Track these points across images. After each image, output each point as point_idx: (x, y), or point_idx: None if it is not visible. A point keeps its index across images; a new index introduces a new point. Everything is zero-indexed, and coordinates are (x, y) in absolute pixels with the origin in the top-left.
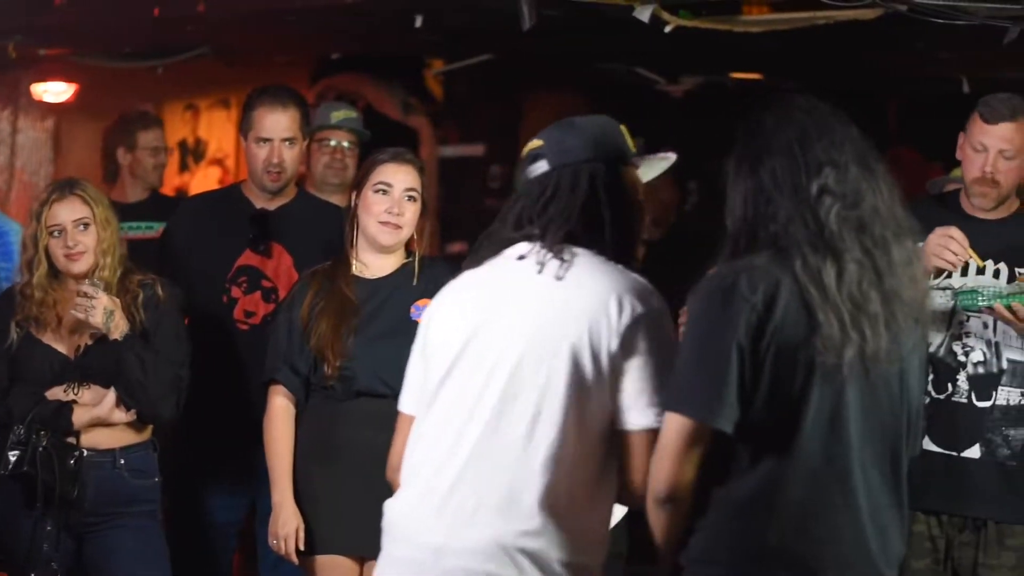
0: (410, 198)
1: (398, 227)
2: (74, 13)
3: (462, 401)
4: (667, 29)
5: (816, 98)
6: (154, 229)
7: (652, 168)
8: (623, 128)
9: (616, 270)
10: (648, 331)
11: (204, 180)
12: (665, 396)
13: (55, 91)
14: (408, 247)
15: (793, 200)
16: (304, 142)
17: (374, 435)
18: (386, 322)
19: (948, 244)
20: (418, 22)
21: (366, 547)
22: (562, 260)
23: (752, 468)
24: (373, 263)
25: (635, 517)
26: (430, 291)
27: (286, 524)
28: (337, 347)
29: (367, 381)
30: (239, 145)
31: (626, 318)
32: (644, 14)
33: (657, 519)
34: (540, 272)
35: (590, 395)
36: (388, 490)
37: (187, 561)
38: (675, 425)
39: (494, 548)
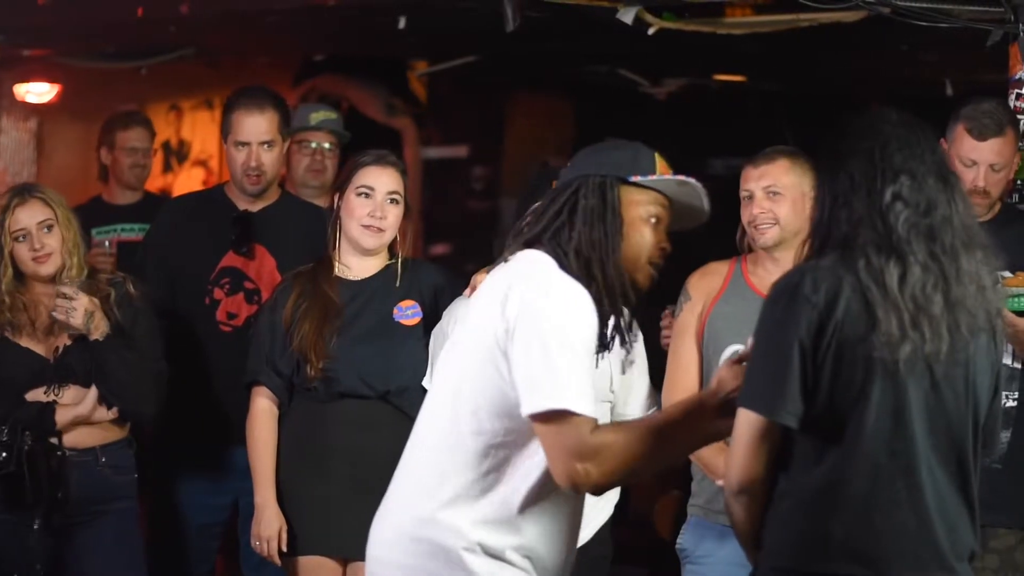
0: (392, 201)
1: (381, 230)
2: (57, 13)
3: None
4: (650, 31)
5: (907, 114)
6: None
7: (684, 201)
8: (657, 154)
9: (531, 266)
10: (530, 322)
11: (188, 181)
12: (740, 392)
13: (38, 92)
14: (391, 248)
15: (866, 203)
16: (284, 144)
17: (357, 436)
18: (369, 323)
19: None
20: (402, 23)
21: (349, 548)
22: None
23: (817, 462)
24: (356, 265)
25: (619, 520)
26: (413, 292)
27: (268, 525)
28: (320, 348)
29: (350, 382)
30: (223, 146)
31: (512, 310)
32: (628, 16)
33: (734, 511)
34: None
35: (494, 386)
36: (370, 490)
37: (170, 563)
38: (744, 420)
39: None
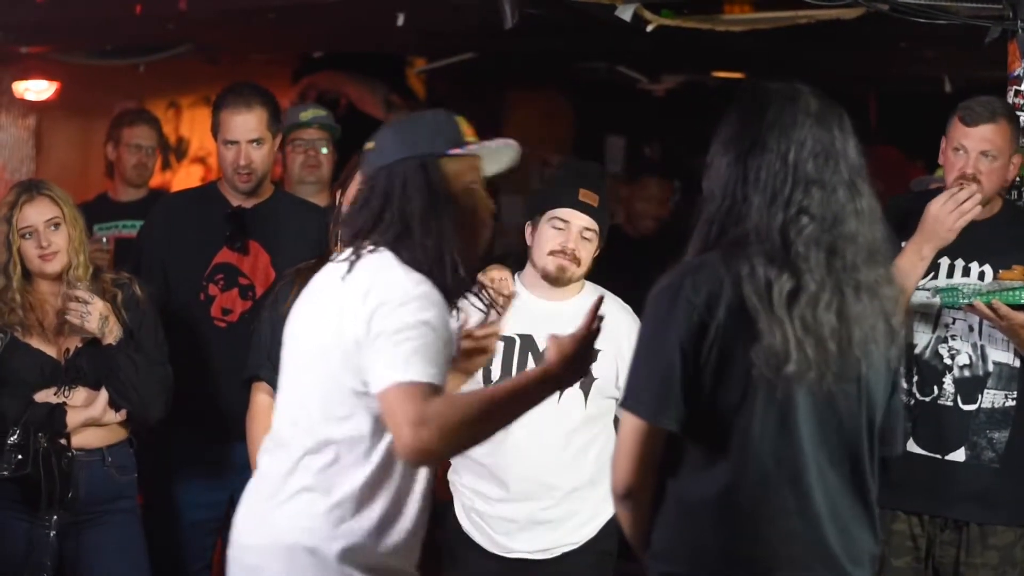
0: None
1: None
2: (56, 11)
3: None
4: (649, 28)
5: (826, 98)
6: None
7: (495, 159)
8: (459, 119)
9: (380, 266)
10: (388, 316)
11: (186, 178)
12: (621, 395)
13: (37, 89)
14: None
15: (769, 207)
16: (275, 140)
17: None
18: None
19: (955, 200)
20: (400, 20)
21: None
22: (351, 264)
23: (704, 469)
24: None
25: None
26: None
27: None
28: None
29: None
30: (217, 155)
31: (370, 306)
32: (626, 13)
33: (621, 515)
34: (338, 278)
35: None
36: None
37: (168, 558)
38: (628, 423)
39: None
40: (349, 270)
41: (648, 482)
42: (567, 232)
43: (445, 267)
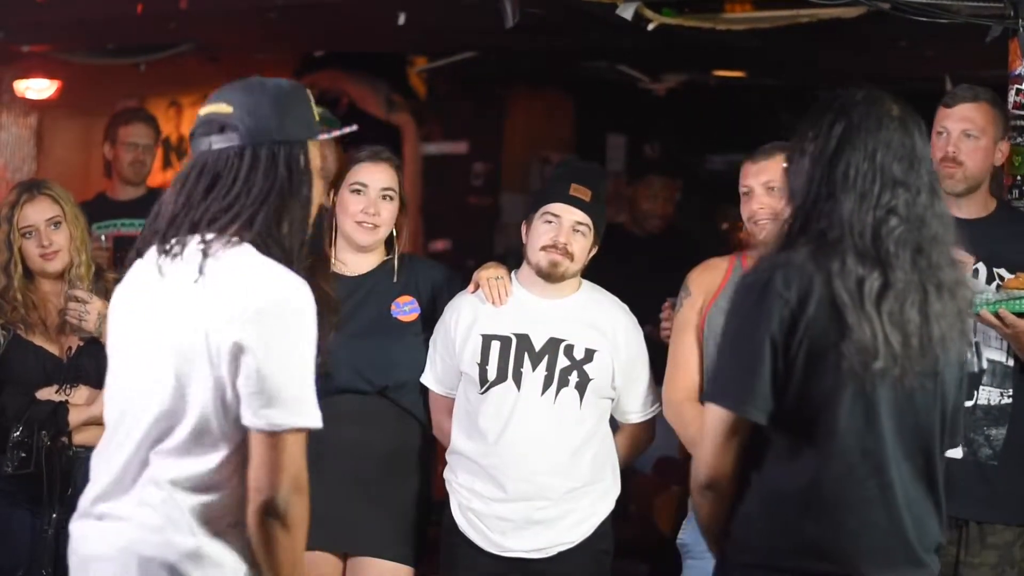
0: (386, 197)
1: (374, 226)
2: (57, 9)
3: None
4: (650, 27)
5: (906, 104)
6: None
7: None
8: (309, 94)
9: (255, 264)
10: (266, 326)
11: None
12: (706, 387)
13: (38, 88)
14: (389, 244)
15: (858, 207)
16: None
17: (354, 431)
18: (366, 319)
19: None
20: (401, 19)
21: (348, 542)
22: (209, 255)
23: (789, 460)
24: (352, 261)
25: (620, 516)
26: (410, 288)
27: None
28: (317, 344)
29: (347, 378)
30: None
31: (248, 314)
32: (627, 12)
33: (700, 505)
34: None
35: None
36: (369, 485)
37: None
38: (713, 415)
39: None
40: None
41: (731, 473)
42: (558, 226)
43: (296, 256)
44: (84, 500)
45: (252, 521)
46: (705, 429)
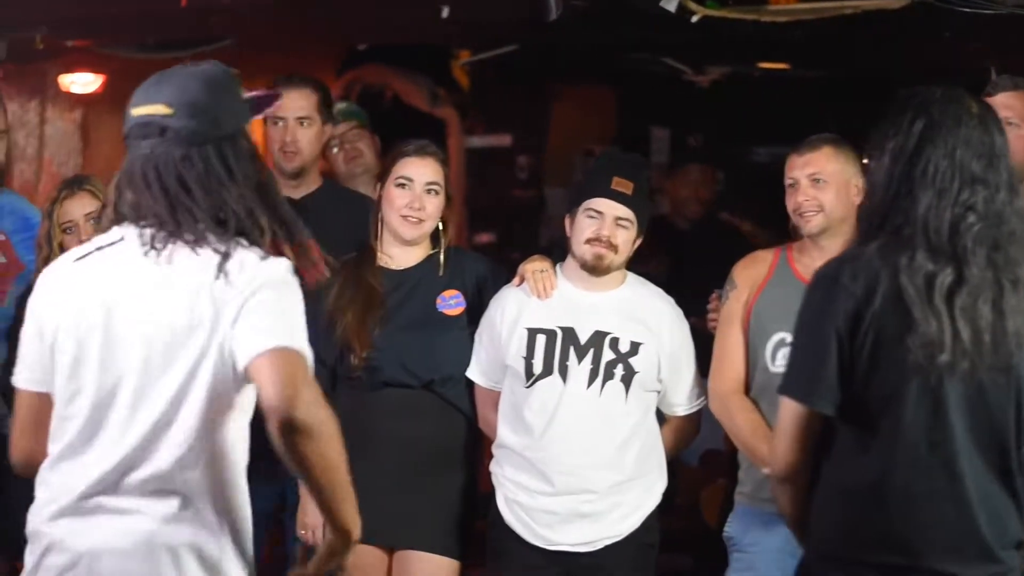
0: (431, 192)
1: (419, 220)
2: (101, 4)
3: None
4: (694, 19)
5: (984, 101)
6: None
7: None
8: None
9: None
10: (262, 292)
11: None
12: (781, 380)
13: (83, 82)
14: (435, 238)
15: (936, 204)
16: (324, 127)
17: (401, 425)
18: (412, 313)
19: None
20: (444, 12)
21: (394, 537)
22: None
23: (859, 452)
24: (398, 254)
25: (666, 509)
26: (456, 282)
27: (314, 514)
28: (363, 338)
29: (393, 372)
30: (265, 136)
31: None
32: (671, 4)
33: (779, 497)
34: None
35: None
36: (415, 479)
37: None
38: (786, 407)
39: None
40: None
41: (806, 465)
42: (601, 221)
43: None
44: (60, 498)
45: (278, 443)
46: (779, 421)
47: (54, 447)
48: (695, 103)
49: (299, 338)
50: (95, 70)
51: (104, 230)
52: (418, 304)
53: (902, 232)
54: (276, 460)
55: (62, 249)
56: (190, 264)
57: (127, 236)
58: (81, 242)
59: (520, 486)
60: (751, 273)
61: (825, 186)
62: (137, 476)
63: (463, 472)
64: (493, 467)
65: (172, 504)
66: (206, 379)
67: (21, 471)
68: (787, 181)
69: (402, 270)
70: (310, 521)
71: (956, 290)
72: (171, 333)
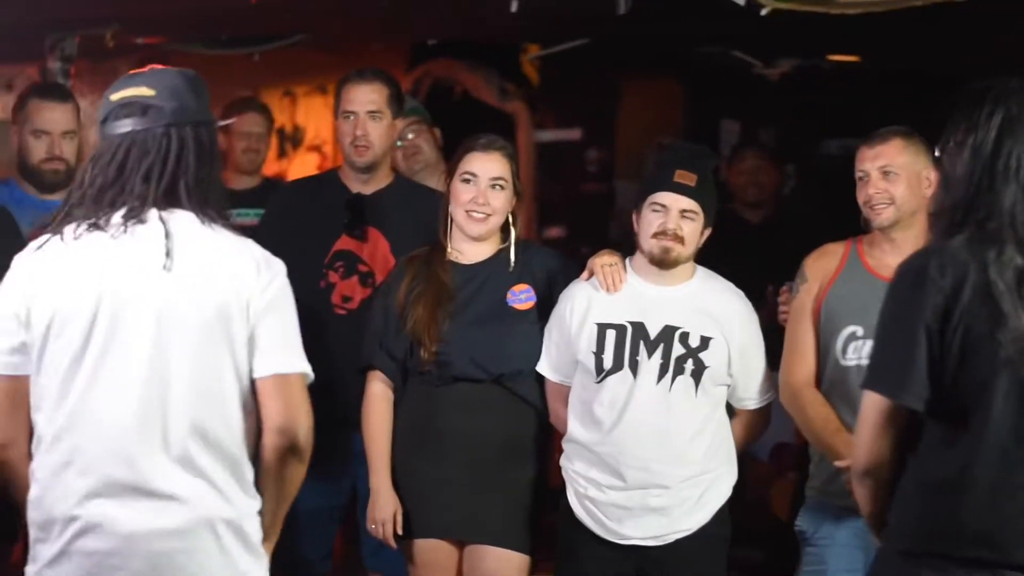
0: (496, 187)
1: (485, 216)
2: (172, 1)
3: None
4: (763, 12)
5: None
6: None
7: None
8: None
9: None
10: (282, 300)
11: (302, 166)
12: (864, 375)
13: None
14: (504, 232)
15: (1021, 197)
16: (396, 124)
17: (470, 419)
18: (482, 308)
19: None
20: (514, 7)
21: (464, 530)
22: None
23: (944, 446)
24: (468, 249)
25: (737, 502)
26: (526, 276)
27: (383, 508)
28: (433, 332)
29: (463, 366)
30: (336, 131)
31: (268, 288)
32: None
33: (860, 492)
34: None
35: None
36: (485, 473)
37: (288, 545)
38: (871, 402)
39: None
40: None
41: (889, 460)
42: (666, 214)
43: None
44: (76, 486)
45: (275, 461)
46: (862, 416)
47: (50, 428)
48: (765, 96)
49: (303, 357)
50: (165, 67)
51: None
52: (488, 298)
53: (987, 226)
54: (345, 458)
55: None
56: (208, 244)
57: (99, 221)
58: None
59: (590, 481)
60: (822, 266)
61: (896, 178)
62: (175, 454)
63: (533, 466)
64: (563, 462)
65: (211, 481)
66: (241, 359)
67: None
68: (857, 174)
69: (472, 265)
70: (379, 515)
71: None
72: (198, 313)
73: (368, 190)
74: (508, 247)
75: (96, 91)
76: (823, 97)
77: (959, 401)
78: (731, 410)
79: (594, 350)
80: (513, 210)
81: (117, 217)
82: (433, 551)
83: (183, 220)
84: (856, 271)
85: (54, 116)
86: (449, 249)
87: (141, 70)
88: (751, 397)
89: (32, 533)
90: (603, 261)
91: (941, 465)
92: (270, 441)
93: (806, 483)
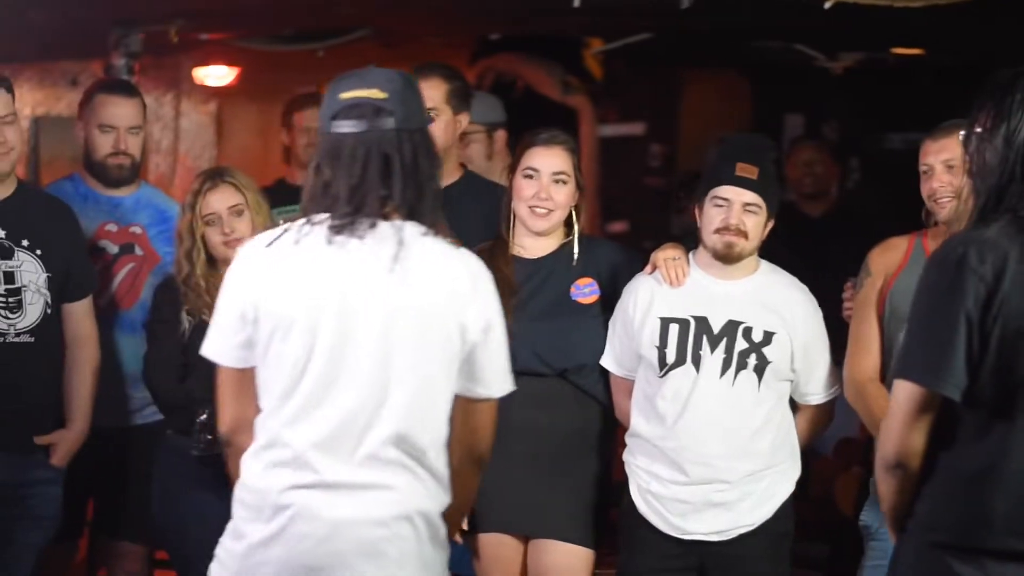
0: (559, 181)
1: (548, 211)
2: None
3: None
4: (827, 5)
5: None
6: None
7: None
8: None
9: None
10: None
11: None
12: (896, 364)
13: (217, 75)
14: (568, 226)
15: None
16: (456, 117)
17: (534, 414)
18: (545, 302)
19: None
20: (576, 1)
21: (530, 525)
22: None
23: (980, 437)
24: (531, 244)
25: (801, 497)
26: (590, 271)
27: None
28: None
29: (526, 360)
30: None
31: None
32: None
33: (886, 484)
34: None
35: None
36: (549, 467)
37: None
38: (904, 392)
39: None
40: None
41: (920, 451)
42: (729, 209)
43: None
44: (288, 476)
45: (462, 469)
46: (894, 406)
47: (271, 421)
48: (828, 90)
49: (511, 377)
50: (229, 63)
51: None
52: (552, 293)
53: (1021, 214)
54: None
55: (204, 241)
56: (431, 254)
57: (337, 223)
58: (223, 234)
59: (653, 475)
60: (886, 260)
61: (960, 171)
62: (384, 455)
63: (597, 460)
64: (626, 456)
65: (416, 476)
66: (452, 372)
67: (231, 440)
68: (921, 167)
69: (535, 259)
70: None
71: None
72: (421, 323)
73: None
74: (571, 241)
75: (160, 87)
76: (887, 91)
77: (996, 391)
78: (795, 405)
79: (657, 344)
80: (576, 204)
81: (353, 220)
82: (498, 545)
83: (409, 228)
84: (921, 265)
85: (121, 111)
86: (512, 244)
87: (364, 70)
88: (815, 392)
89: (241, 512)
90: (666, 255)
91: (975, 456)
92: (462, 453)
93: (871, 478)
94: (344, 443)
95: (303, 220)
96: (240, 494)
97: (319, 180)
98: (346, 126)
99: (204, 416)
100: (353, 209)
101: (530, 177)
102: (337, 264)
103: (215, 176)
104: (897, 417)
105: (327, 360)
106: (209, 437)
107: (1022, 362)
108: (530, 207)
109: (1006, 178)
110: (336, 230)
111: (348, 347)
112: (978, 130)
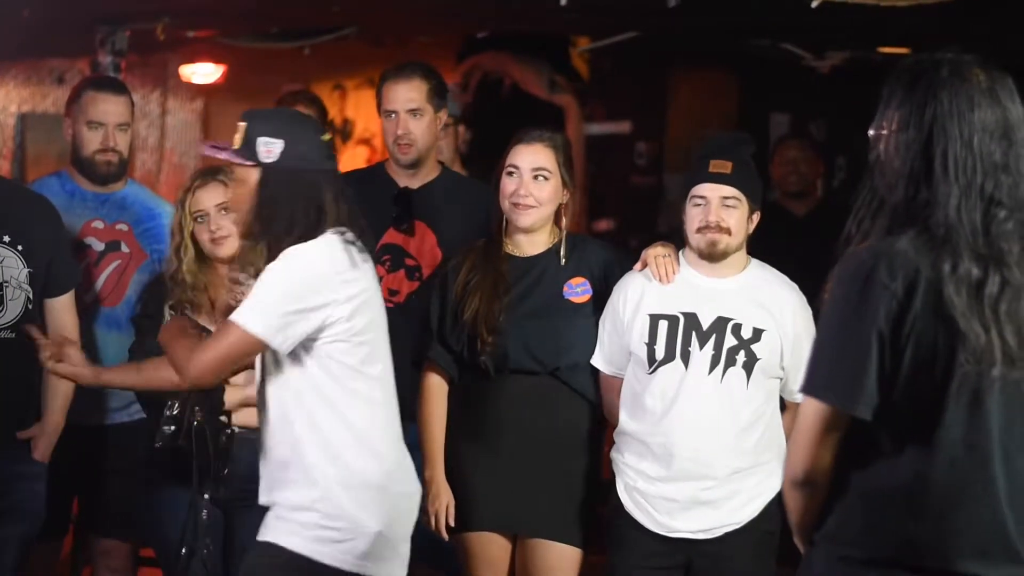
0: (539, 178)
1: (528, 207)
2: None
3: None
4: (814, 4)
5: (991, 67)
6: None
7: None
8: None
9: None
10: None
11: (352, 160)
12: (804, 381)
13: (203, 72)
14: (559, 225)
15: (965, 200)
16: (437, 116)
17: (525, 412)
18: (538, 300)
19: None
20: (563, 0)
21: (518, 523)
22: None
23: (892, 455)
24: (523, 242)
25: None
26: (583, 269)
27: (436, 500)
28: (490, 323)
29: (519, 358)
30: (382, 129)
31: None
32: None
33: (794, 500)
34: None
35: None
36: (539, 466)
37: None
38: (813, 410)
39: None
40: None
41: (828, 469)
42: (707, 206)
43: None
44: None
45: None
46: (801, 424)
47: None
48: (815, 89)
49: None
50: (216, 60)
51: None
52: (544, 291)
53: (933, 229)
54: None
55: (193, 238)
56: None
57: None
58: (210, 231)
59: (640, 473)
60: None
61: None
62: None
63: (587, 459)
64: (613, 454)
65: None
66: None
67: None
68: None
69: (528, 257)
70: (431, 507)
71: (1000, 296)
72: None
73: (415, 184)
74: (560, 240)
75: (146, 85)
76: (874, 90)
77: (909, 409)
78: (782, 404)
79: (646, 341)
80: (563, 202)
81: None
82: (486, 544)
83: None
84: None
85: (110, 108)
86: (505, 242)
87: None
88: None
89: None
90: (656, 252)
91: (888, 474)
92: None
93: None
94: None
95: None
96: None
97: None
98: None
99: (171, 411)
100: None
101: (511, 174)
102: None
103: (207, 174)
104: (805, 434)
105: None
106: (172, 428)
107: (935, 383)
108: (512, 203)
109: (913, 189)
110: None
111: None
112: (884, 132)
